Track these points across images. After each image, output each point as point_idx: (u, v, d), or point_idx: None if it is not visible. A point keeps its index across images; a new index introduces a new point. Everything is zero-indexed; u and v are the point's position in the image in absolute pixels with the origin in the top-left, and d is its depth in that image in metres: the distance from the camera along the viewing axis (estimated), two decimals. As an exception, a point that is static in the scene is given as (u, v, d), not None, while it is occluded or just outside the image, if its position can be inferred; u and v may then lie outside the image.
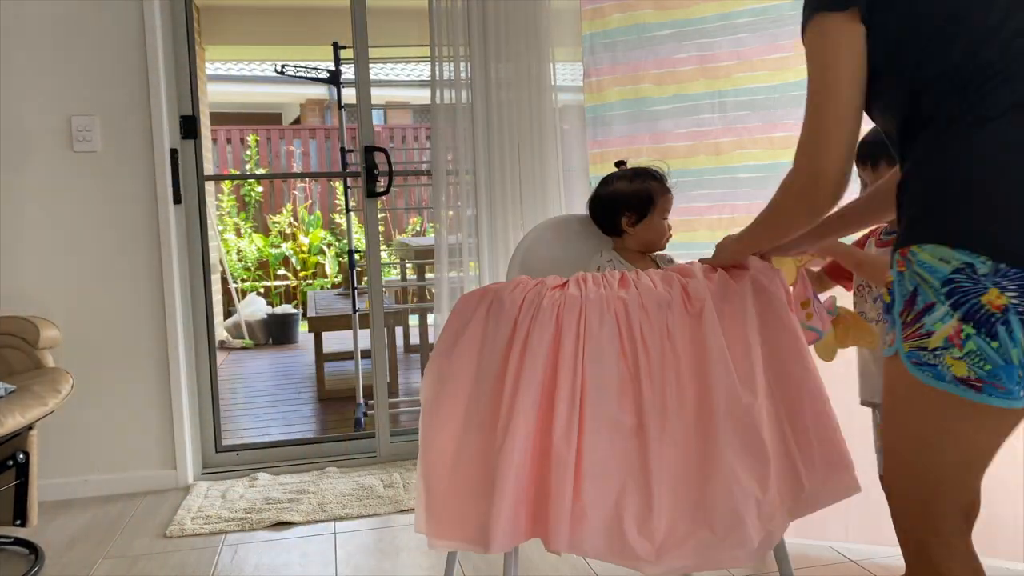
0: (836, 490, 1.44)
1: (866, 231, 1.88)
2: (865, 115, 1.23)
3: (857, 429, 1.86)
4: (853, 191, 1.68)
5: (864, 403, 1.85)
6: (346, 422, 3.91)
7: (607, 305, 1.38)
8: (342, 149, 4.00)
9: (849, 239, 1.86)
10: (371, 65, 3.02)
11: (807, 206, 1.26)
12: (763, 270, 1.49)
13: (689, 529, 1.32)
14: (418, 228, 8.05)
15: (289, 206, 8.07)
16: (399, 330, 5.26)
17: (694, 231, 2.70)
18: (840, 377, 1.87)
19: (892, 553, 2.08)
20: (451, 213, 2.99)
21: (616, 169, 1.96)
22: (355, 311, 3.99)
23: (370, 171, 3.03)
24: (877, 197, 1.51)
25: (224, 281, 6.64)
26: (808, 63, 1.25)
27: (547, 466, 1.33)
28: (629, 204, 1.87)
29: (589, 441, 1.32)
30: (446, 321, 1.55)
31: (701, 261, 1.56)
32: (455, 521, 1.42)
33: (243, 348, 6.20)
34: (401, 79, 9.34)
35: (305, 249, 7.78)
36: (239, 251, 7.63)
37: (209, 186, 6.46)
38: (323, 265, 7.76)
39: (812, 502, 1.43)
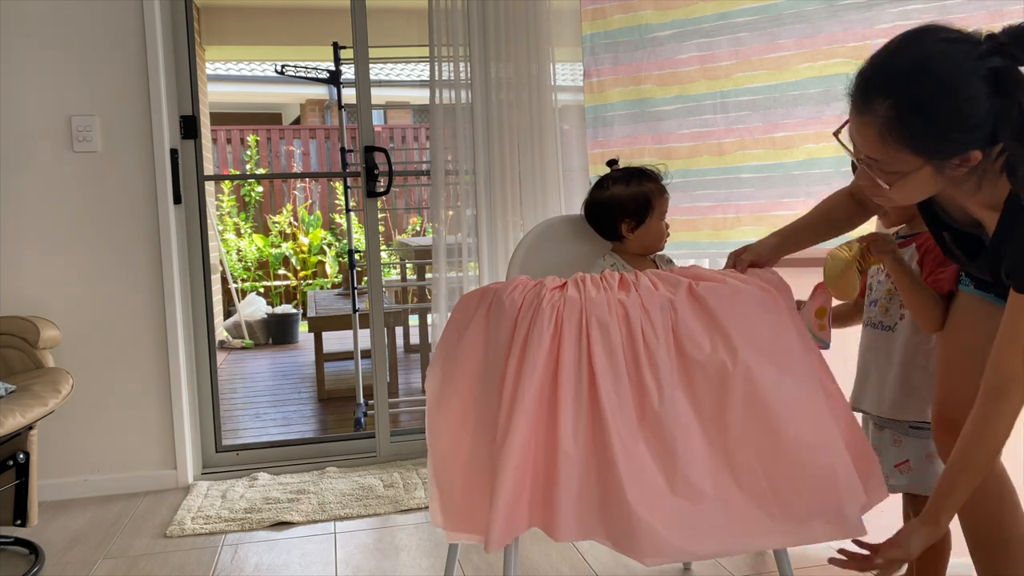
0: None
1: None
2: None
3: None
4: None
5: (853, 409, 1.84)
6: (346, 422, 3.91)
7: (608, 307, 1.37)
8: (342, 149, 4.00)
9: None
10: (371, 65, 3.02)
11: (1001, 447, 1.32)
12: (773, 281, 1.49)
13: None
14: (418, 228, 8.05)
15: (289, 206, 8.07)
16: (399, 330, 5.27)
17: (697, 231, 2.70)
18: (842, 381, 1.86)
19: (892, 553, 2.07)
20: (451, 213, 2.99)
21: (609, 169, 1.94)
22: (355, 311, 3.99)
23: (370, 171, 3.02)
24: (833, 214, 1.64)
25: (224, 281, 6.64)
26: None
27: (552, 464, 1.33)
28: (626, 210, 1.85)
29: (620, 444, 1.31)
30: (447, 321, 1.56)
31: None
32: (469, 516, 1.45)
33: (243, 348, 6.20)
34: (401, 79, 9.35)
35: (305, 249, 7.78)
36: (239, 251, 7.63)
37: (209, 186, 6.46)
38: (323, 265, 7.76)
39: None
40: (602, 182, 1.92)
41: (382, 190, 3.05)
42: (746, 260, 1.64)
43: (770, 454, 1.35)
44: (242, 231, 7.81)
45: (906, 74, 1.20)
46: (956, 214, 1.41)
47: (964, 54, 1.17)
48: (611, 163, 1.95)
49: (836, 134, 1.31)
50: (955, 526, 1.77)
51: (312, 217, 8.04)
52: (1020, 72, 1.18)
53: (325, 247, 7.85)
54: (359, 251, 4.24)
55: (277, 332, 6.39)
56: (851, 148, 1.30)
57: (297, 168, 8.55)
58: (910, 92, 1.19)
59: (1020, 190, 1.21)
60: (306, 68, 4.36)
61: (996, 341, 1.31)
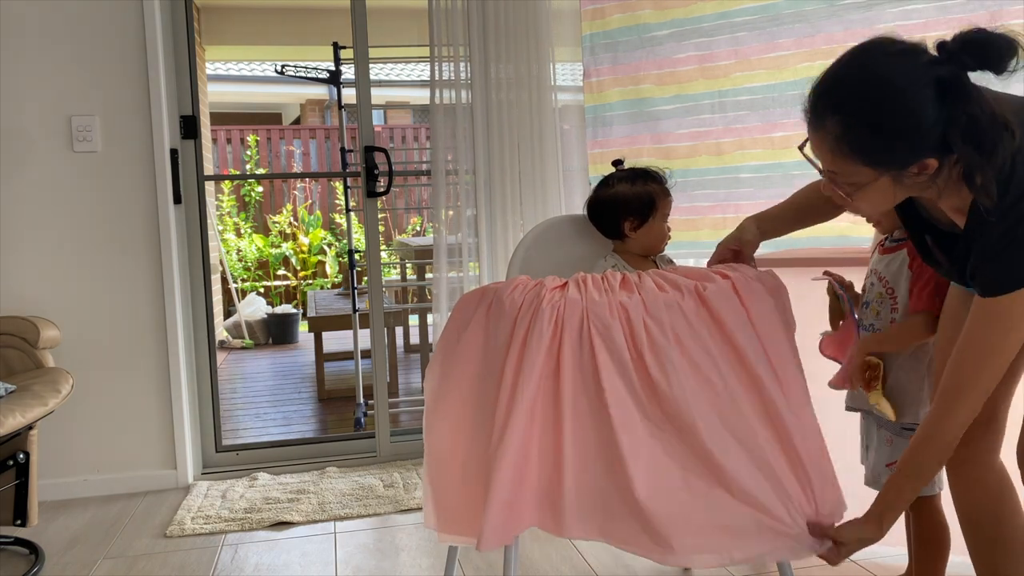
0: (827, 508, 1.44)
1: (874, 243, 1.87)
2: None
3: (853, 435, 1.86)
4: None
5: (849, 409, 1.84)
6: (346, 422, 3.91)
7: (609, 309, 1.37)
8: (342, 149, 4.00)
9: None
10: (371, 65, 3.02)
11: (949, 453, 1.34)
12: (771, 284, 1.49)
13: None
14: (418, 228, 8.05)
15: (289, 206, 8.07)
16: (399, 330, 5.27)
17: (697, 231, 2.71)
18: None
19: (892, 553, 2.08)
20: (451, 213, 2.99)
21: (614, 169, 1.95)
22: (355, 311, 3.99)
23: (370, 171, 3.03)
24: (805, 203, 1.64)
25: (224, 281, 6.64)
26: (1000, 322, 1.26)
27: (557, 464, 1.33)
28: (631, 208, 1.85)
29: (629, 441, 1.30)
30: (447, 321, 1.55)
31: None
32: (462, 518, 1.44)
33: (243, 348, 6.20)
34: (401, 79, 9.35)
35: (305, 249, 7.78)
36: (239, 251, 7.63)
37: (209, 186, 6.46)
38: (323, 265, 7.76)
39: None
40: (607, 180, 1.92)
41: (382, 190, 3.05)
42: (728, 246, 1.68)
43: (754, 471, 1.33)
44: (242, 231, 7.81)
45: (852, 90, 1.23)
46: (938, 215, 1.42)
47: (909, 65, 1.20)
48: (616, 163, 1.95)
49: (801, 148, 1.33)
50: (954, 524, 1.77)
51: (312, 217, 8.04)
52: (967, 79, 1.19)
53: (325, 247, 7.85)
54: (359, 251, 4.24)
55: (277, 332, 6.40)
56: (816, 162, 1.32)
57: (297, 168, 8.55)
58: (856, 107, 1.22)
59: (977, 195, 1.22)
60: (306, 68, 4.36)
61: (957, 344, 1.31)
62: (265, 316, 6.51)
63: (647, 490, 1.28)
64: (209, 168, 6.94)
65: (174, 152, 2.88)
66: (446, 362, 1.51)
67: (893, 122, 1.19)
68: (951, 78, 1.18)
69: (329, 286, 7.55)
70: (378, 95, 8.87)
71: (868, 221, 1.77)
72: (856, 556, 2.12)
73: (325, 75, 4.29)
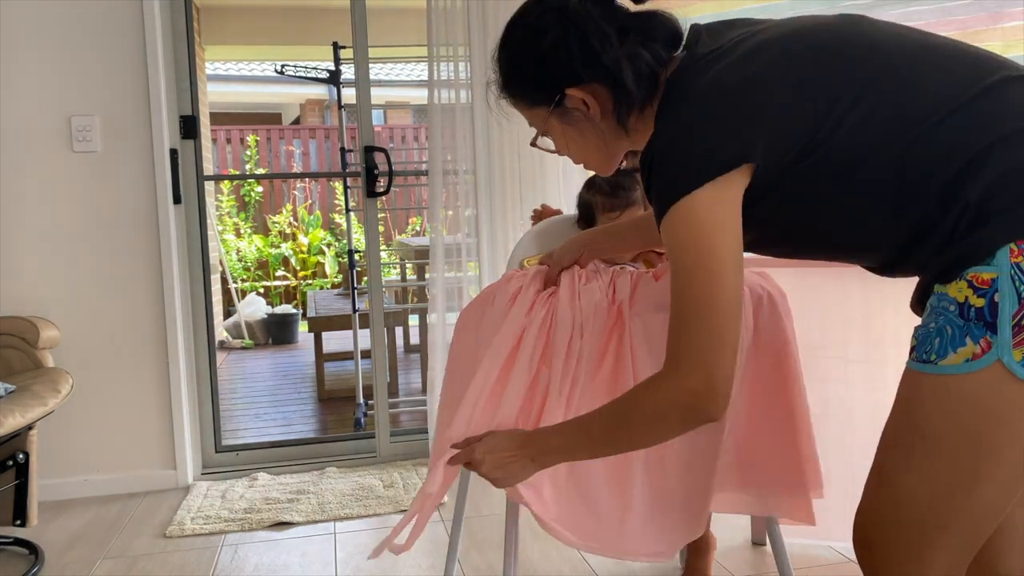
0: (789, 510, 1.45)
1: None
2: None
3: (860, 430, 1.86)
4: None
5: None
6: (346, 422, 3.91)
7: (604, 308, 1.38)
8: (342, 149, 4.00)
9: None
10: (371, 65, 3.02)
11: (698, 421, 1.03)
12: (766, 278, 1.50)
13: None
14: (418, 228, 8.06)
15: (289, 206, 8.07)
16: (399, 330, 5.27)
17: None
18: (839, 376, 1.86)
19: (892, 553, 2.08)
20: (450, 213, 2.99)
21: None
22: (355, 311, 3.99)
23: (370, 171, 3.03)
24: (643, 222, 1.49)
25: (224, 281, 6.64)
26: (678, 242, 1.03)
27: None
28: (581, 215, 1.93)
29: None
30: (452, 339, 1.60)
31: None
32: None
33: (243, 348, 6.20)
34: (401, 79, 9.35)
35: (305, 249, 7.78)
36: (239, 251, 7.63)
37: (209, 186, 6.46)
38: (323, 265, 7.76)
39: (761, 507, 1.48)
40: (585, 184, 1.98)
41: (382, 190, 3.05)
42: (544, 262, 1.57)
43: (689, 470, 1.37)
44: (242, 231, 7.81)
45: (500, 42, 1.21)
46: None
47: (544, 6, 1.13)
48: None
49: (533, 143, 1.28)
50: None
51: (312, 217, 8.04)
52: (586, 4, 1.10)
53: (325, 247, 7.85)
54: (359, 251, 4.24)
55: (277, 332, 6.39)
56: (548, 146, 1.26)
57: (297, 168, 8.55)
58: (501, 53, 1.21)
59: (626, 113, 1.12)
60: (306, 68, 4.36)
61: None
62: (265, 316, 6.51)
63: (606, 494, 1.32)
64: (209, 168, 6.94)
65: (174, 152, 2.88)
66: (451, 378, 1.55)
67: (523, 55, 1.17)
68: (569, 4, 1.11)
69: (329, 286, 7.55)
70: (378, 95, 8.88)
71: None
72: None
73: (325, 75, 4.29)
